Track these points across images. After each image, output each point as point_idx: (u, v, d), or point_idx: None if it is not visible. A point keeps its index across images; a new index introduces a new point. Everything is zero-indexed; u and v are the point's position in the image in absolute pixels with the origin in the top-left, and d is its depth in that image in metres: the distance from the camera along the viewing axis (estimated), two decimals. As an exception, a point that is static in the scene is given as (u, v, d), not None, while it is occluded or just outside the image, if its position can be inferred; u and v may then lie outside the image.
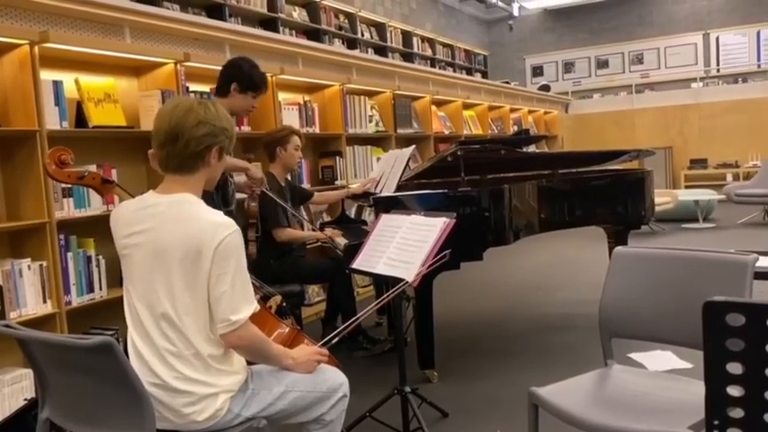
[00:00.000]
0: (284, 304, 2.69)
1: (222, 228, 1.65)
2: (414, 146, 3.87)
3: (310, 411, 1.84)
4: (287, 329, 2.24)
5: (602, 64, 14.26)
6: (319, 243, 4.42)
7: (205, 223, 1.66)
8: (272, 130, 4.04)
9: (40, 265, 3.03)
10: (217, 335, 1.68)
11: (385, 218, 2.70)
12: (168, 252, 1.65)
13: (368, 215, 4.02)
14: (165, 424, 1.66)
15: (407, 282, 2.31)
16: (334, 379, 1.89)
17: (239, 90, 3.22)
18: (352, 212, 4.40)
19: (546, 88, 12.46)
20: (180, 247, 1.64)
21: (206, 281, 1.64)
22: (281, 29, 7.78)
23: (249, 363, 1.84)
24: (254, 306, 1.72)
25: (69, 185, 2.97)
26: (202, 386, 1.66)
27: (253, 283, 1.86)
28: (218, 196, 3.14)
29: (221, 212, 1.72)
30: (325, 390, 1.85)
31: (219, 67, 3.20)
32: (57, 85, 3.20)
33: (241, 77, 3.22)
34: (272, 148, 3.86)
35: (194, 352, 1.66)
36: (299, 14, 8.40)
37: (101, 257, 3.30)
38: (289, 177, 4.07)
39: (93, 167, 3.00)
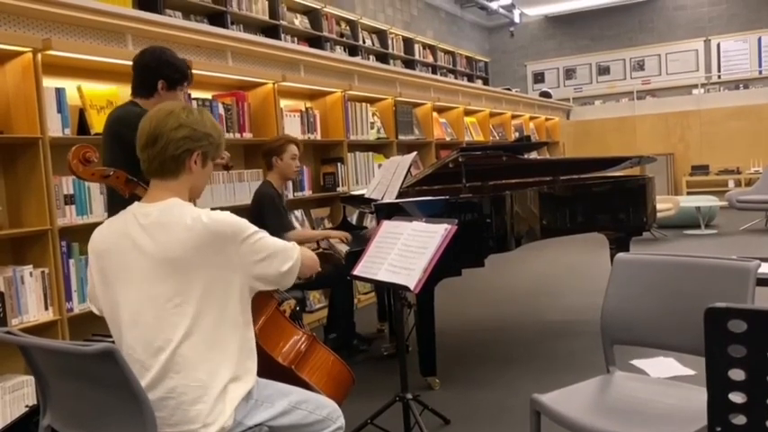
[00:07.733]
0: (297, 308, 2.67)
1: (221, 215, 1.67)
2: (415, 152, 3.87)
3: None
4: (303, 335, 2.24)
5: (604, 70, 14.28)
6: (320, 249, 4.42)
7: (209, 215, 1.66)
8: (270, 139, 4.03)
9: (42, 272, 3.03)
10: (235, 333, 1.68)
11: (387, 224, 2.70)
12: (173, 259, 1.62)
13: (369, 221, 4.02)
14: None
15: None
16: (335, 408, 1.90)
17: (168, 87, 2.71)
18: (353, 219, 4.40)
19: (547, 95, 12.47)
20: (190, 247, 1.61)
21: (239, 266, 1.66)
22: (282, 36, 7.80)
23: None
24: (292, 245, 1.78)
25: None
26: (211, 390, 1.63)
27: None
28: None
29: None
30: (325, 414, 1.85)
31: (223, 75, 3.06)
32: (59, 92, 3.21)
33: (169, 72, 2.70)
34: (268, 157, 3.83)
35: (204, 356, 1.63)
36: (300, 22, 8.42)
37: (102, 264, 3.30)
38: (285, 190, 4.09)
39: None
